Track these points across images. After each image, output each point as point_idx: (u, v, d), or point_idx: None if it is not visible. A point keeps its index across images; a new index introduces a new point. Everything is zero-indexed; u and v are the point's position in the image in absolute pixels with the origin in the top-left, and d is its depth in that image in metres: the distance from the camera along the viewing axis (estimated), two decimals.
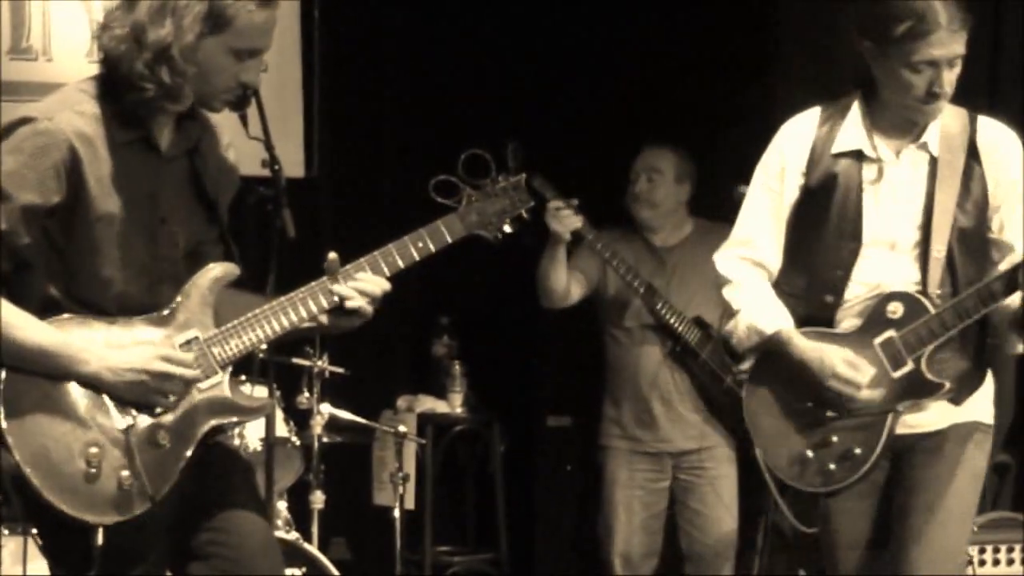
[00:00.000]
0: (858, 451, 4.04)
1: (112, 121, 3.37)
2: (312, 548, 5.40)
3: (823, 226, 4.09)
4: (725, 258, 4.18)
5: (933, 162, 4.08)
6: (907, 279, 4.04)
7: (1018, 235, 4.03)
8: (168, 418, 3.39)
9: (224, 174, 3.59)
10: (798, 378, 4.08)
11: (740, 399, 5.32)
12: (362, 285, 3.48)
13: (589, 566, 6.11)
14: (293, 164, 5.67)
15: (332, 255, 3.50)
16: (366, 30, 6.65)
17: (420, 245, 3.56)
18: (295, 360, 5.45)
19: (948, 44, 3.93)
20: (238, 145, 3.62)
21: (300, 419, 5.60)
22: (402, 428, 5.93)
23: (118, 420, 3.33)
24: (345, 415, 5.70)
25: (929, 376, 4.01)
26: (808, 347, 4.05)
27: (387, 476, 5.94)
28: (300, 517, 5.63)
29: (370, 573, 6.24)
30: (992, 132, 4.11)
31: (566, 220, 5.50)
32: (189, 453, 3.41)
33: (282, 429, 5.42)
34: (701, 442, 5.84)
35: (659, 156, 5.90)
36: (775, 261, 4.17)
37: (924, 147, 4.07)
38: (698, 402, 5.83)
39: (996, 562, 5.22)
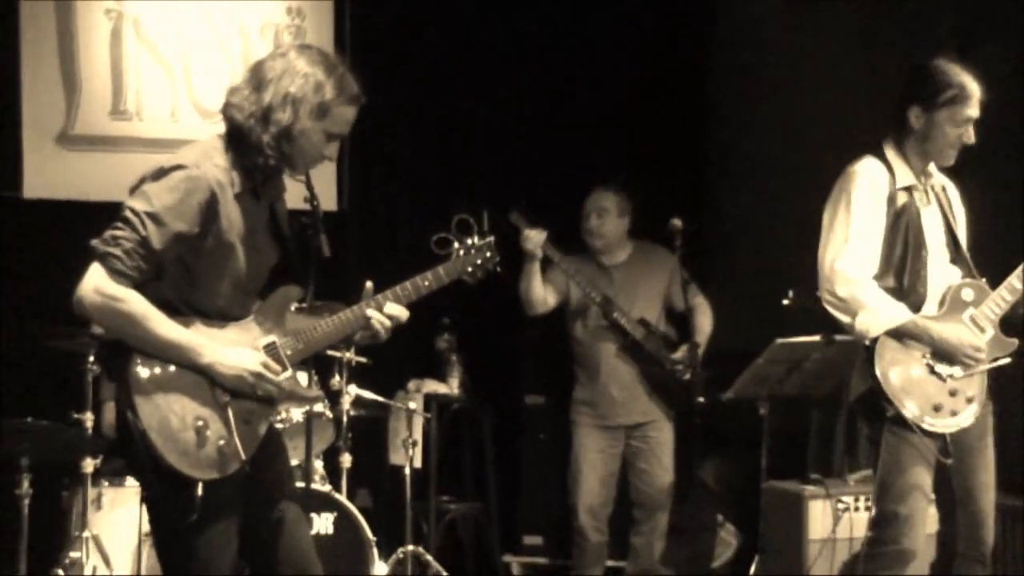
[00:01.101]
0: (974, 393, 4.31)
1: (235, 173, 3.45)
2: (341, 497, 5.42)
3: (904, 240, 4.32)
4: (848, 263, 4.30)
5: (942, 189, 4.41)
6: (956, 273, 4.37)
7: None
8: (255, 403, 3.48)
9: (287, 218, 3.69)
10: (920, 348, 4.25)
11: (678, 381, 5.43)
12: (391, 310, 3.60)
13: (560, 513, 6.10)
14: (327, 199, 5.71)
15: (368, 284, 3.63)
16: (387, 87, 6.70)
17: (426, 284, 3.70)
18: (329, 352, 5.44)
19: (977, 106, 4.25)
20: (286, 184, 3.68)
21: (332, 397, 5.62)
22: (412, 405, 6.05)
23: (220, 400, 3.42)
24: (368, 395, 5.76)
25: (1005, 337, 4.34)
26: (944, 329, 4.28)
27: (400, 442, 5.98)
28: (332, 474, 5.66)
29: (387, 517, 6.22)
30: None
31: (534, 240, 5.59)
32: (266, 428, 3.53)
33: (319, 405, 5.43)
34: (647, 416, 5.89)
35: (605, 197, 5.97)
36: (875, 268, 4.32)
37: (932, 179, 4.40)
38: (645, 385, 5.87)
39: (867, 508, 5.22)
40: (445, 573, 5.84)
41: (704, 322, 5.93)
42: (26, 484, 5.12)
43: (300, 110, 3.41)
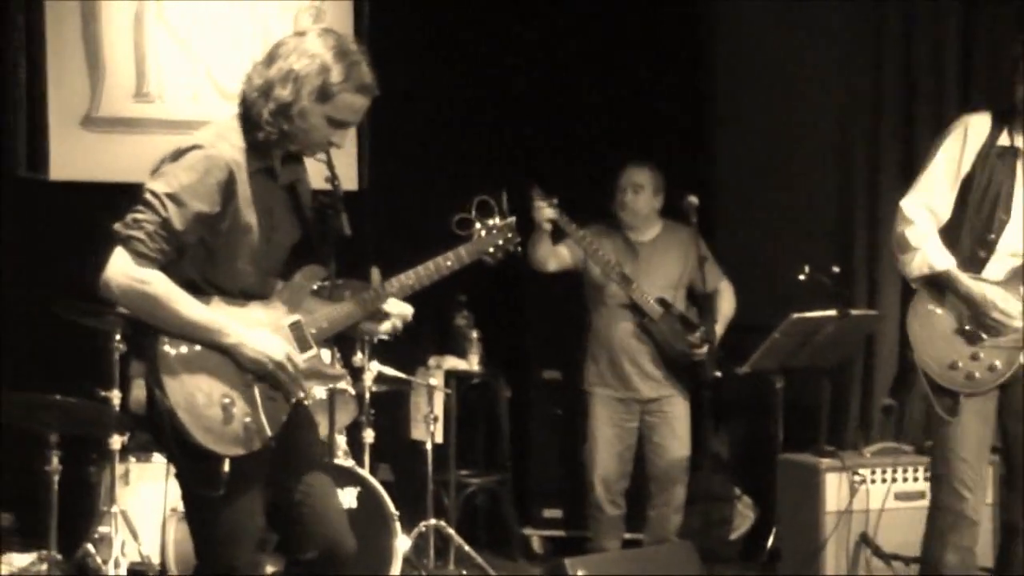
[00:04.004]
0: (999, 365, 4.21)
1: (249, 152, 3.41)
2: (364, 472, 5.39)
3: (990, 201, 4.22)
4: (911, 203, 4.26)
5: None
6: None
7: None
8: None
9: (309, 200, 3.65)
10: (958, 306, 4.20)
11: (692, 360, 5.39)
12: (396, 309, 3.65)
13: (577, 486, 6.04)
14: (347, 179, 5.66)
15: (375, 271, 3.66)
16: (406, 72, 6.67)
17: (448, 264, 3.70)
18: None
19: None
20: (307, 164, 3.65)
21: (355, 374, 5.59)
22: (432, 381, 6.01)
23: (246, 379, 3.40)
24: (389, 371, 5.73)
25: None
26: (973, 285, 4.21)
27: (421, 417, 5.95)
28: (355, 448, 5.63)
29: (408, 491, 6.16)
30: None
31: (543, 212, 5.53)
32: (291, 404, 3.50)
33: (341, 383, 5.31)
34: (660, 392, 5.80)
35: (640, 173, 5.85)
36: (945, 214, 4.26)
37: None
38: (659, 361, 5.77)
39: (884, 480, 5.22)
40: (467, 546, 5.82)
41: (727, 306, 5.88)
42: (55, 460, 5.10)
43: (301, 89, 3.35)
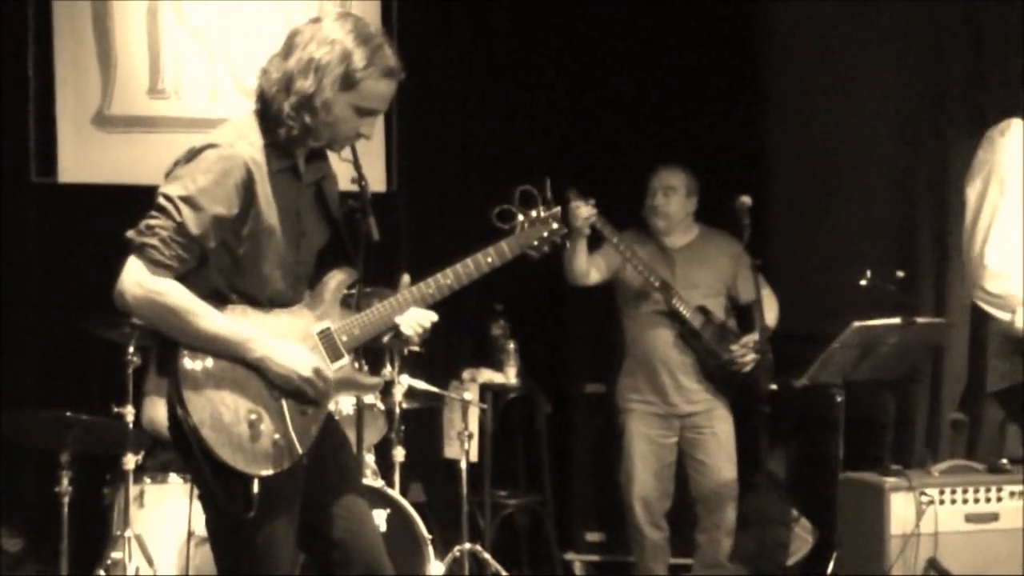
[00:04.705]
0: None
1: (270, 151, 3.39)
2: (394, 493, 5.38)
3: None
4: (993, 257, 4.14)
5: None
6: None
7: None
8: None
9: (336, 199, 3.64)
10: None
11: (732, 372, 5.29)
12: (415, 316, 3.58)
13: (618, 507, 6.02)
14: (375, 180, 5.68)
15: (405, 277, 3.60)
16: (436, 66, 6.69)
17: (489, 260, 3.66)
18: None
19: None
20: (331, 165, 3.64)
21: (384, 388, 5.44)
22: (467, 395, 5.95)
23: (273, 394, 3.39)
24: (420, 385, 5.70)
25: None
26: None
27: (455, 434, 5.94)
28: (384, 468, 5.61)
29: (441, 513, 6.21)
30: None
31: (583, 215, 5.48)
32: (324, 419, 3.51)
33: (370, 396, 5.40)
34: (701, 406, 5.81)
35: (672, 175, 5.88)
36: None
37: None
38: (699, 374, 5.79)
39: (953, 501, 5.17)
40: (504, 573, 5.81)
41: (770, 315, 5.85)
42: (66, 481, 5.10)
43: (324, 79, 3.33)
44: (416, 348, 5.45)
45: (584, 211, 5.49)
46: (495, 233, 3.73)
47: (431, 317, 3.62)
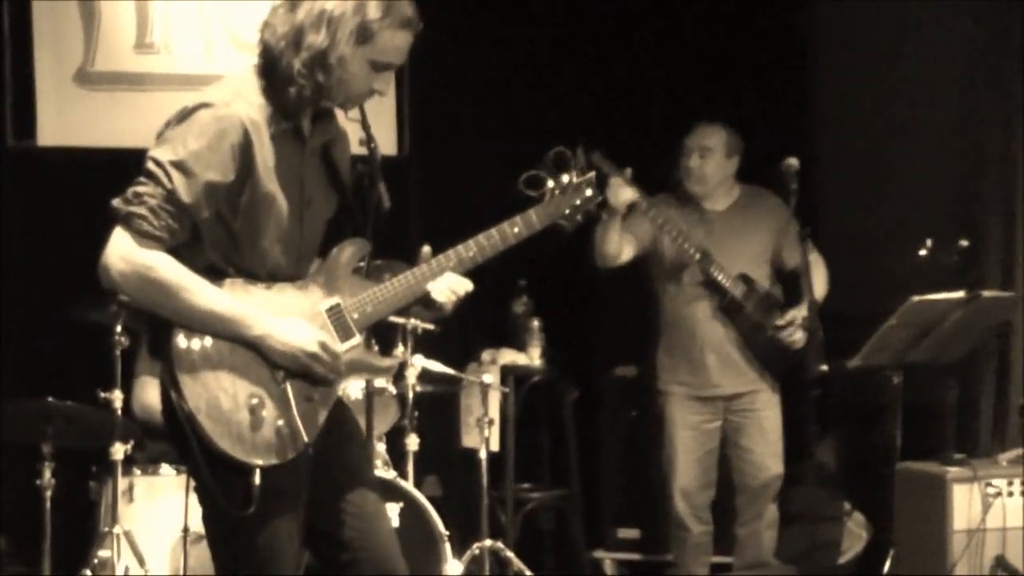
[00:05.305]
0: None
1: (271, 111, 3.34)
2: (408, 485, 5.37)
3: None
4: None
5: None
6: None
7: None
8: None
9: (348, 163, 3.59)
10: None
11: (779, 347, 5.27)
12: (450, 283, 3.52)
13: (652, 501, 6.06)
14: (386, 143, 5.65)
15: (426, 248, 3.53)
16: (453, 21, 6.62)
17: (516, 230, 3.59)
18: (391, 318, 5.43)
19: None
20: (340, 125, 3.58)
21: (395, 371, 5.59)
22: (487, 378, 5.93)
23: (276, 377, 3.34)
24: (436, 367, 5.67)
25: None
26: None
27: (473, 421, 5.90)
28: (397, 458, 5.58)
29: (459, 508, 6.18)
30: None
31: (622, 194, 5.43)
32: (331, 406, 3.46)
33: (381, 380, 5.35)
34: (747, 386, 5.76)
35: (710, 134, 5.81)
36: None
37: None
38: (744, 351, 5.74)
39: (1022, 493, 5.18)
40: (528, 572, 5.78)
41: (819, 282, 5.76)
42: (48, 474, 5.09)
43: (338, 32, 3.28)
44: (430, 326, 5.46)
45: (627, 193, 5.43)
46: (516, 202, 3.64)
47: (466, 285, 3.56)
